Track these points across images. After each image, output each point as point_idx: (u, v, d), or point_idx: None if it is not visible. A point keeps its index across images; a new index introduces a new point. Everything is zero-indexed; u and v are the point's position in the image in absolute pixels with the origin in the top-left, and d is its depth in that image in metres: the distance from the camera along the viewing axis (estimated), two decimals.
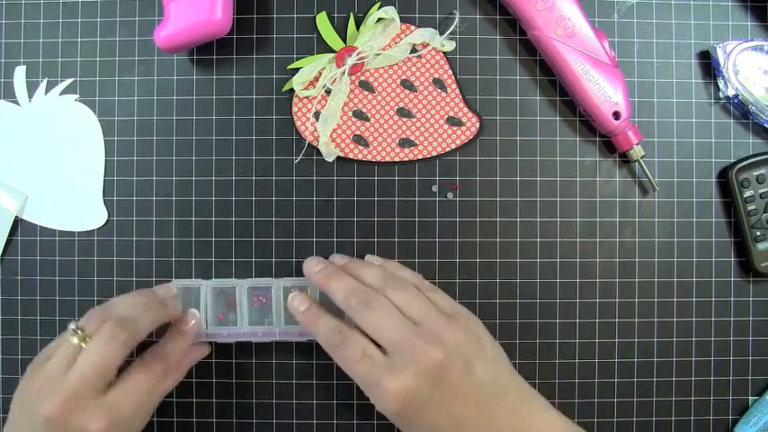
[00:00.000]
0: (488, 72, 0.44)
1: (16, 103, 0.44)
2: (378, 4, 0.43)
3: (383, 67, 0.43)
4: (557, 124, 0.44)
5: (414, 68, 0.43)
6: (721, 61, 0.42)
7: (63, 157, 0.44)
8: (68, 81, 0.44)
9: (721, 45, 0.42)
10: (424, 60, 0.43)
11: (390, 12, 0.42)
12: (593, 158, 0.44)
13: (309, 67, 0.42)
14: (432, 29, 0.43)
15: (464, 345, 0.35)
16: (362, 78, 0.43)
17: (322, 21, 0.43)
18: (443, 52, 0.44)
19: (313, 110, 0.43)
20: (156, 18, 0.44)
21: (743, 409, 0.44)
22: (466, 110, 0.44)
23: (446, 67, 0.44)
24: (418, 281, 0.40)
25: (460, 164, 0.44)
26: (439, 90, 0.43)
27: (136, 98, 0.44)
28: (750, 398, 0.44)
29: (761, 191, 0.43)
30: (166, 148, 0.44)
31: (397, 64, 0.43)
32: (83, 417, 0.34)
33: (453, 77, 0.44)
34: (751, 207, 0.43)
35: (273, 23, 0.44)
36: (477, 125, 0.44)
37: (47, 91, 0.44)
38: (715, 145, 0.44)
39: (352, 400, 0.44)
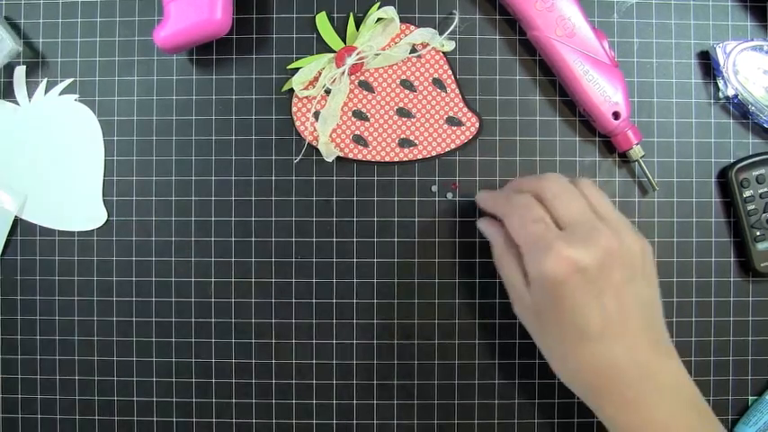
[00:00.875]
0: (488, 72, 0.44)
1: (16, 103, 0.44)
2: (377, 4, 0.43)
3: (383, 67, 0.43)
4: (556, 124, 0.44)
5: (413, 68, 0.43)
6: (721, 61, 0.42)
7: (63, 157, 0.44)
8: (68, 81, 0.44)
9: (721, 45, 0.42)
10: (423, 60, 0.43)
11: (390, 12, 0.42)
12: (592, 158, 0.44)
13: (309, 67, 0.42)
14: (431, 29, 0.43)
15: (638, 255, 0.35)
16: (362, 78, 0.43)
17: (322, 21, 0.43)
18: (443, 52, 0.44)
19: (313, 110, 0.43)
20: (156, 18, 0.44)
21: (742, 409, 0.44)
22: (465, 110, 0.44)
23: (446, 67, 0.44)
24: None
25: (460, 164, 0.44)
26: (439, 90, 0.43)
27: (135, 98, 0.44)
28: (750, 398, 0.44)
29: (760, 191, 0.43)
30: (166, 148, 0.44)
31: (396, 64, 0.43)
32: None
33: (453, 77, 0.44)
34: (751, 207, 0.43)
35: (273, 23, 0.44)
36: (477, 125, 0.43)
37: (46, 91, 0.44)
38: (715, 145, 0.44)
39: (351, 401, 0.44)
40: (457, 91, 0.43)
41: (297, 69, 0.43)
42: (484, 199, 0.40)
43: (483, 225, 0.41)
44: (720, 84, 0.43)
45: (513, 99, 0.44)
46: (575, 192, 0.37)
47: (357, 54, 0.42)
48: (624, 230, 0.35)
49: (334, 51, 0.43)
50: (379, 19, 0.43)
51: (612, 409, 0.35)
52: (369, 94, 0.43)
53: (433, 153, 0.44)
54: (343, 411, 0.44)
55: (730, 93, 0.42)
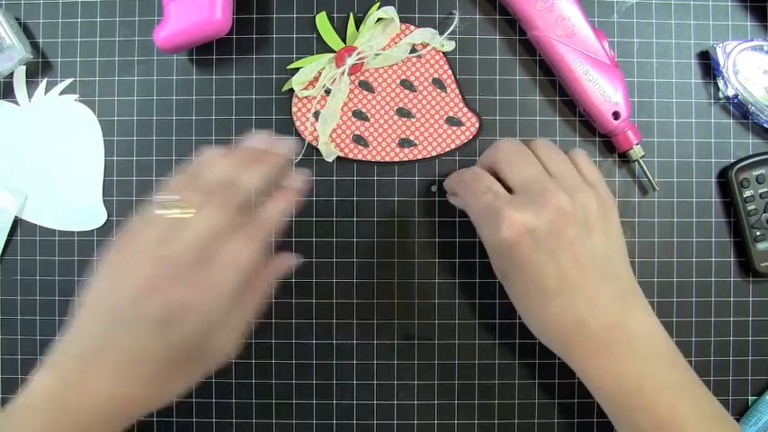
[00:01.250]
0: (488, 72, 0.44)
1: (16, 103, 0.44)
2: (377, 4, 0.43)
3: (383, 67, 0.43)
4: (556, 124, 0.44)
5: (413, 68, 0.43)
6: (721, 61, 0.42)
7: (63, 157, 0.44)
8: (68, 81, 0.44)
9: (721, 45, 0.42)
10: (423, 60, 0.43)
11: (390, 12, 0.42)
12: (592, 158, 0.44)
13: (309, 67, 0.42)
14: (431, 29, 0.43)
15: (593, 211, 0.35)
16: (362, 78, 0.43)
17: (322, 21, 0.43)
18: (443, 52, 0.44)
19: (313, 110, 0.43)
20: (156, 18, 0.44)
21: (743, 409, 0.44)
22: (465, 110, 0.44)
23: (446, 67, 0.44)
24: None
25: (460, 164, 0.44)
26: (438, 90, 0.43)
27: (135, 98, 0.44)
28: (750, 398, 0.44)
29: (761, 191, 0.43)
30: (166, 148, 0.44)
31: (396, 64, 0.43)
32: (177, 291, 0.30)
33: (453, 77, 0.44)
34: (751, 207, 0.43)
35: (273, 23, 0.44)
36: (477, 125, 0.43)
37: (46, 91, 0.44)
38: (715, 145, 0.44)
39: (351, 401, 0.44)
40: (457, 91, 0.43)
41: (297, 69, 0.43)
42: (447, 182, 0.42)
43: (452, 199, 0.41)
44: (720, 84, 0.43)
45: (513, 99, 0.44)
46: (527, 154, 0.37)
47: (357, 54, 0.42)
48: (578, 187, 0.36)
49: (334, 51, 0.43)
50: (379, 19, 0.43)
51: (582, 361, 0.35)
52: (369, 94, 0.43)
53: (433, 153, 0.43)
54: (343, 411, 0.44)
55: (730, 93, 0.42)
